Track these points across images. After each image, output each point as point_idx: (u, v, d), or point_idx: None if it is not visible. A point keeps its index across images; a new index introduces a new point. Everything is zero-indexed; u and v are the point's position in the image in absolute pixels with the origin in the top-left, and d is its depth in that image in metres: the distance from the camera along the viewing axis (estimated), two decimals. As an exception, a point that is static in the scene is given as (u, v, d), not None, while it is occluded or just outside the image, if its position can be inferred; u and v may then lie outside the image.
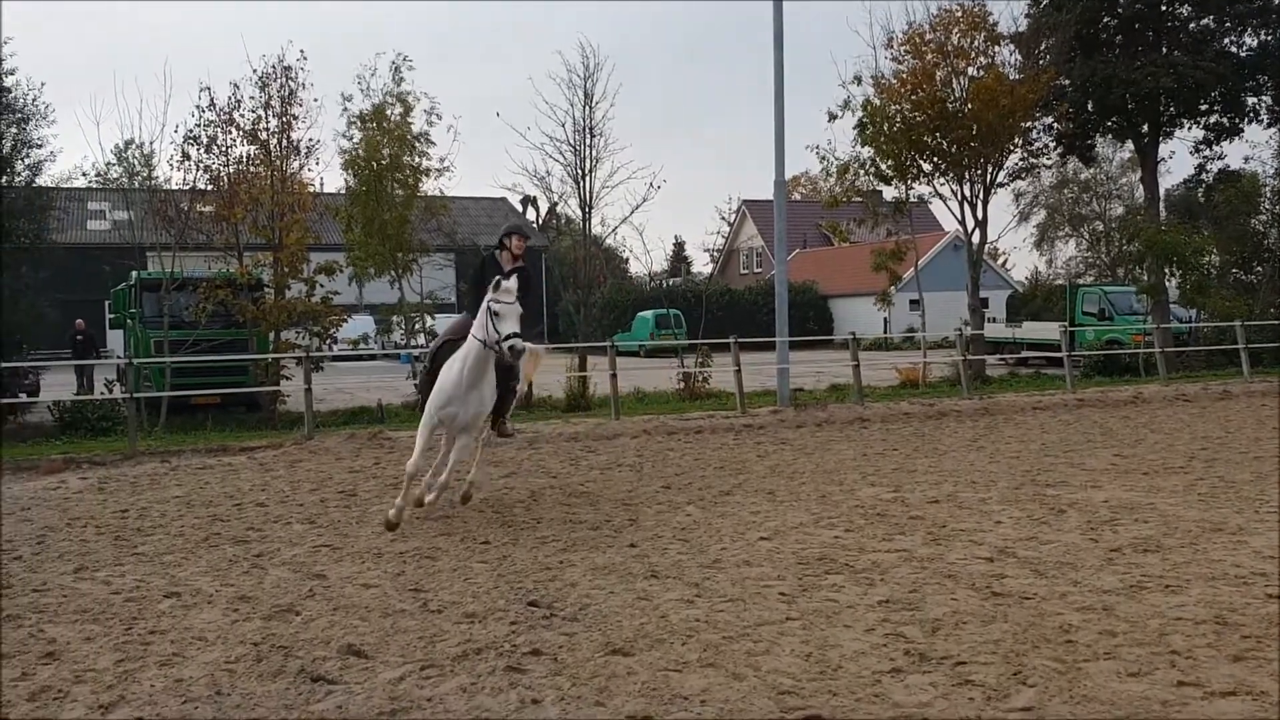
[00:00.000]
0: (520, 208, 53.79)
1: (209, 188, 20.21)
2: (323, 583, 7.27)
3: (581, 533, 8.84)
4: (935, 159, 25.26)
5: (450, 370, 8.68)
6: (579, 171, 21.54)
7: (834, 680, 5.20)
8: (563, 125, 21.58)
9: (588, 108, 21.29)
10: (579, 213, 22.31)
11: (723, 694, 5.00)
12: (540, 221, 53.50)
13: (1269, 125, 29.93)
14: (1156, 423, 16.31)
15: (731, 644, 5.76)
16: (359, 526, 9.26)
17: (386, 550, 8.29)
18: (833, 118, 26.33)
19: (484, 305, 8.43)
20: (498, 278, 8.44)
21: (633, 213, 22.24)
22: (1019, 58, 26.65)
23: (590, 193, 21.66)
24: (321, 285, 20.88)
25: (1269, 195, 29.78)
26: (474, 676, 5.32)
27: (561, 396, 20.79)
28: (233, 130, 20.07)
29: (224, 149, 20.06)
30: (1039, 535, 8.43)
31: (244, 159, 20.27)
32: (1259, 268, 29.98)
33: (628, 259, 49.91)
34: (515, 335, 8.26)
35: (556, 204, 26.52)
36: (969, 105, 24.19)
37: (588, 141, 21.39)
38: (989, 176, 25.51)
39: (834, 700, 4.93)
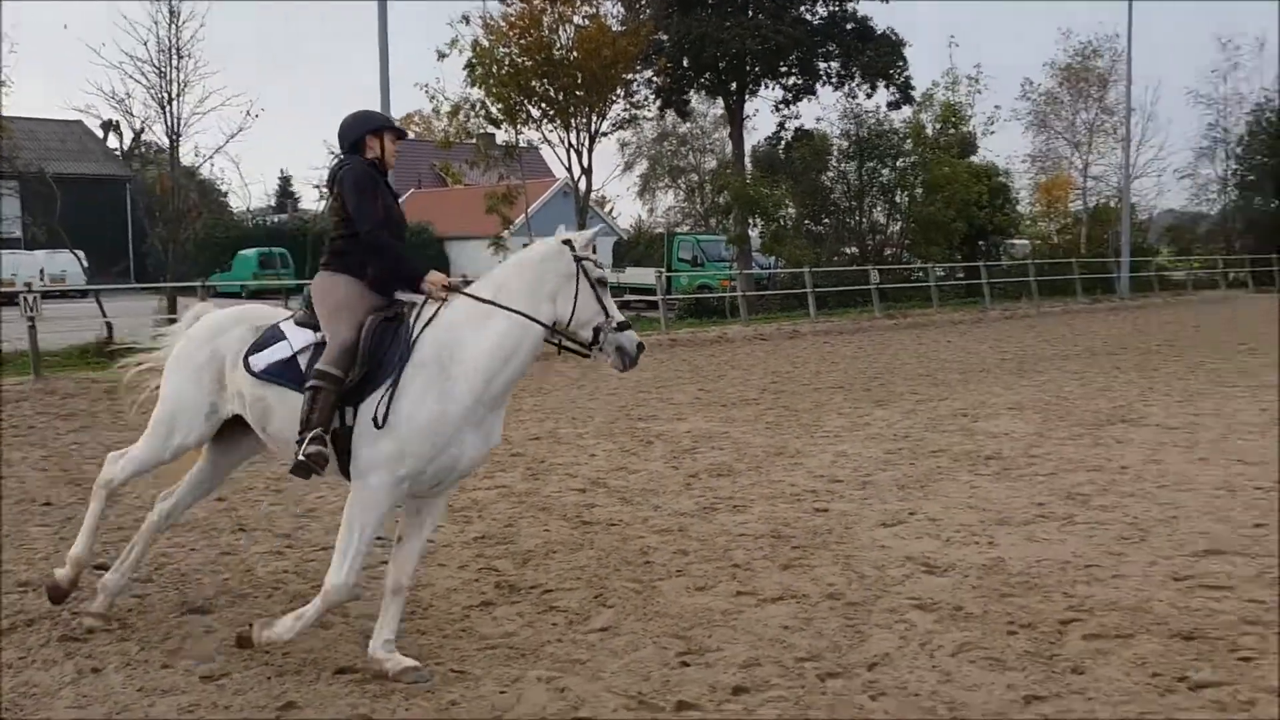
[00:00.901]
0: (100, 133, 48.62)
1: None
2: None
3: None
4: (543, 105, 25.68)
5: (469, 379, 4.84)
6: (164, 95, 19.77)
7: (423, 620, 5.24)
8: (144, 44, 19.64)
9: (174, 26, 19.53)
10: (166, 140, 20.52)
11: (306, 644, 4.89)
12: (124, 149, 48.56)
13: (837, 88, 33.32)
14: (736, 360, 17.83)
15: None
16: (-114, 494, 8.03)
17: (-79, 519, 7.27)
18: (441, 56, 25.93)
19: (564, 265, 5.06)
20: (589, 231, 5.25)
21: (227, 142, 20.71)
22: (622, 10, 27.66)
23: (177, 119, 19.98)
24: None
25: (836, 154, 33.12)
26: (23, 650, 4.81)
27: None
28: None
29: None
30: (628, 465, 8.97)
31: None
32: (826, 220, 33.36)
33: (227, 193, 46.50)
34: (630, 325, 5.05)
35: (141, 131, 24.16)
36: (574, 53, 24.76)
37: (174, 63, 19.66)
38: (594, 125, 26.35)
39: (422, 639, 4.97)
